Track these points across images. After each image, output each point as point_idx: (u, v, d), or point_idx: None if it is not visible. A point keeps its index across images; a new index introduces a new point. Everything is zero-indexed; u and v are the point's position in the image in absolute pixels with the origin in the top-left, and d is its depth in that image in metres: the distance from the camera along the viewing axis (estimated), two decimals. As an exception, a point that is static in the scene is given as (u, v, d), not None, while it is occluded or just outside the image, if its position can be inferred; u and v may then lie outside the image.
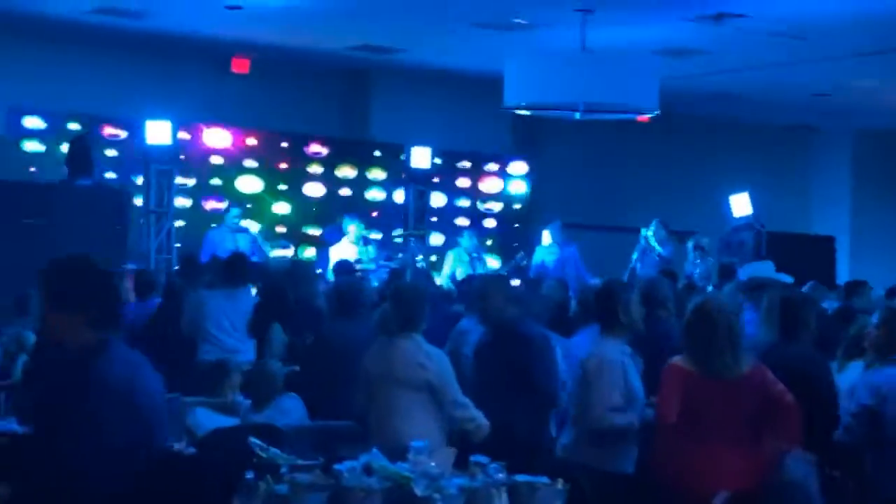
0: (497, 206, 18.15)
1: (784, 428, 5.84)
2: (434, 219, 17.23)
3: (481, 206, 18.02)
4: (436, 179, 17.25)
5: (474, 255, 15.07)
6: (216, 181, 16.18)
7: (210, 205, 16.03)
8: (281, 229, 16.31)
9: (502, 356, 6.85)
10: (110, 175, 15.23)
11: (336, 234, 14.57)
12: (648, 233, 15.20)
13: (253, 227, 14.25)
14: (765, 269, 8.89)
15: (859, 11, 13.03)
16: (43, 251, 12.07)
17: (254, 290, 10.26)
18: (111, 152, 15.50)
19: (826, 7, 12.95)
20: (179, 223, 15.35)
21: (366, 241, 14.21)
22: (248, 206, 15.79)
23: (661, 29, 14.07)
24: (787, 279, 8.85)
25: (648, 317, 6.95)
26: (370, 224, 15.87)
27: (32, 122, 15.34)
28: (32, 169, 15.06)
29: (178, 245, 14.86)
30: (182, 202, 15.66)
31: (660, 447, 5.87)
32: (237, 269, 10.06)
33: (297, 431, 6.41)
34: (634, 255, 15.13)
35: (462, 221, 17.46)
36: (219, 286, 10.00)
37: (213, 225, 14.73)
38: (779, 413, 5.86)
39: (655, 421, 5.91)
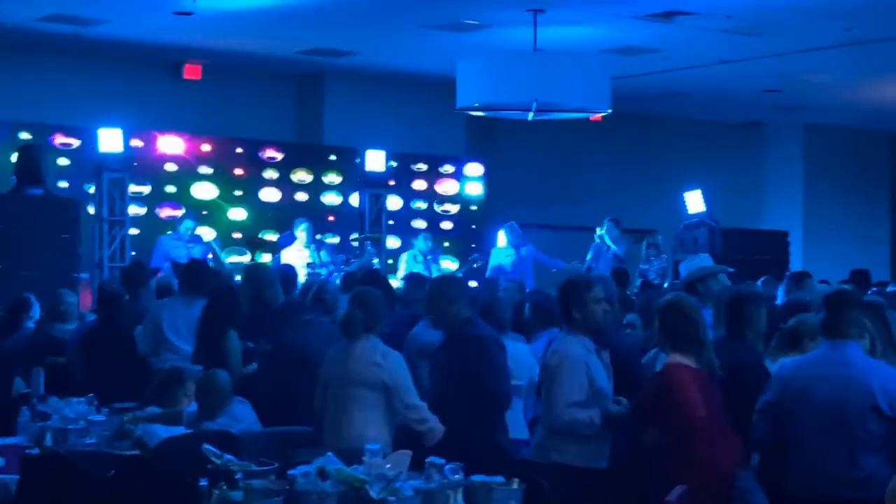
0: (453, 208, 18.05)
1: None
2: (391, 222, 17.19)
3: (437, 209, 17.94)
4: (391, 182, 17.18)
5: (429, 257, 15.08)
6: (171, 188, 16.03)
7: (165, 212, 15.88)
8: (237, 235, 16.18)
9: (453, 359, 6.83)
10: (62, 184, 15.07)
11: (290, 239, 14.50)
12: (602, 231, 15.26)
13: (209, 234, 14.09)
14: (702, 261, 8.88)
15: (808, 7, 13.11)
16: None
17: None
18: (63, 161, 15.31)
19: (775, 3, 13.02)
20: (133, 231, 15.21)
21: (319, 246, 14.12)
22: (204, 212, 15.70)
23: (612, 27, 14.12)
24: (727, 269, 8.89)
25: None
26: (326, 228, 15.82)
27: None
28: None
29: (134, 253, 14.73)
30: (136, 210, 15.51)
31: (702, 445, 5.76)
32: (196, 277, 9.83)
33: (251, 437, 6.37)
34: (589, 255, 15.20)
35: (418, 224, 17.38)
36: (176, 293, 9.86)
37: (169, 232, 14.55)
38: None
39: (690, 422, 5.77)
